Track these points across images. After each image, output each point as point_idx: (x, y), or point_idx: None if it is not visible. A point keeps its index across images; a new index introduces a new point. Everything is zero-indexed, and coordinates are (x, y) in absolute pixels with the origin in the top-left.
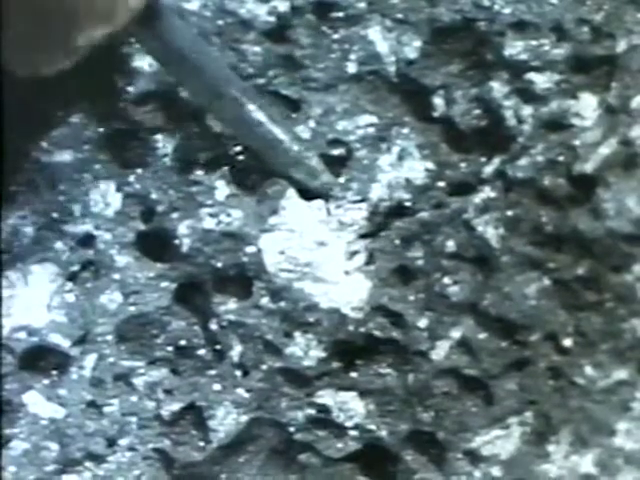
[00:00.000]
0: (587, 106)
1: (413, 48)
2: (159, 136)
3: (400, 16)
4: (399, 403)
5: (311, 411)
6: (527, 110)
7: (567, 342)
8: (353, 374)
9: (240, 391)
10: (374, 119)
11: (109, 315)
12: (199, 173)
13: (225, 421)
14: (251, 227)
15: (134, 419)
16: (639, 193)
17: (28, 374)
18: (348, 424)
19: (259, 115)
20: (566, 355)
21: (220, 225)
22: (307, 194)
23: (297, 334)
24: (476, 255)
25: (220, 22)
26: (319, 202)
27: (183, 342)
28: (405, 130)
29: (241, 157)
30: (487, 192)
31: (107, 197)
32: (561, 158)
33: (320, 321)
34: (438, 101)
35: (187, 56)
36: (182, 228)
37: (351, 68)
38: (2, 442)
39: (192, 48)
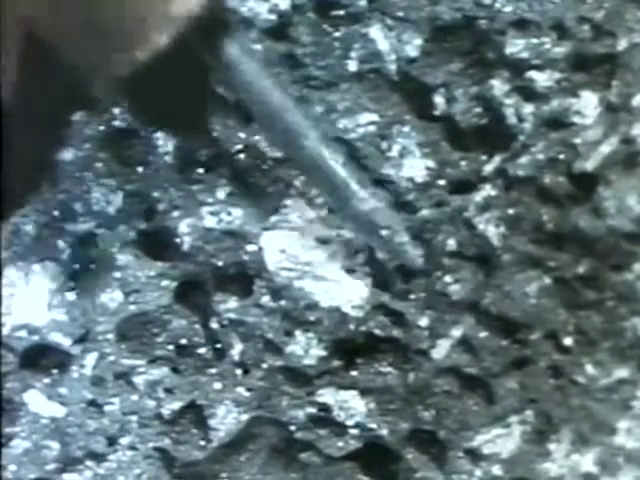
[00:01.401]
0: (588, 104)
1: (414, 46)
2: (160, 134)
3: (401, 14)
4: (400, 402)
5: (312, 410)
6: (528, 108)
7: (568, 341)
8: (354, 373)
9: (241, 390)
10: (375, 117)
11: (110, 314)
12: (200, 172)
13: (226, 420)
14: (252, 226)
15: (135, 418)
16: None
17: (29, 373)
18: (349, 423)
19: (333, 164)
20: (567, 354)
21: (221, 224)
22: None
23: (298, 333)
24: (477, 253)
25: None
26: (320, 200)
27: (184, 341)
28: (406, 128)
29: (242, 155)
30: (488, 190)
31: (108, 196)
32: (562, 156)
33: (321, 320)
34: (439, 99)
35: (258, 97)
36: (183, 227)
37: (352, 66)
38: (2, 441)
39: (260, 84)
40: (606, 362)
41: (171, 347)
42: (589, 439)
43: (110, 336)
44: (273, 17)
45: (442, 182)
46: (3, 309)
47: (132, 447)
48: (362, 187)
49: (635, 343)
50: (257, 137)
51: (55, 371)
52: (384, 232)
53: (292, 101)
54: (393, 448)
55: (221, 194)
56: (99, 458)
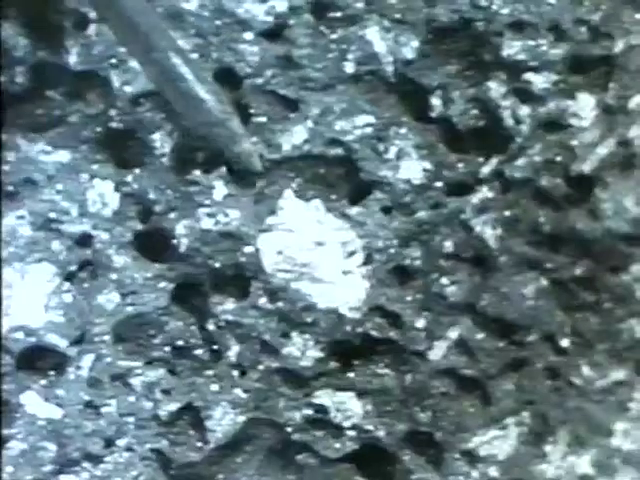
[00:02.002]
0: (585, 106)
1: (411, 48)
2: (157, 136)
3: (398, 16)
4: (397, 403)
5: (308, 411)
6: (525, 110)
7: (565, 342)
8: (350, 374)
9: (237, 391)
10: (372, 119)
11: (106, 315)
12: (197, 173)
13: (222, 421)
14: (249, 227)
15: (132, 419)
16: (637, 193)
17: (25, 374)
18: (346, 424)
19: (185, 71)
20: (564, 355)
21: (218, 225)
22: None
23: (294, 334)
24: (474, 255)
25: (218, 22)
26: (317, 202)
27: (181, 342)
28: (403, 130)
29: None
30: (485, 192)
31: (105, 197)
32: (559, 158)
33: (317, 321)
34: (436, 101)
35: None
36: (180, 228)
37: (349, 68)
38: (0, 442)
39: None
40: (603, 364)
41: (168, 348)
42: (586, 441)
43: (107, 337)
44: (270, 19)
45: (439, 184)
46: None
47: (129, 449)
48: (210, 96)
49: (632, 345)
50: (254, 139)
51: (52, 372)
52: (226, 140)
53: (142, 7)
54: (390, 450)
55: (218, 195)
56: (96, 460)
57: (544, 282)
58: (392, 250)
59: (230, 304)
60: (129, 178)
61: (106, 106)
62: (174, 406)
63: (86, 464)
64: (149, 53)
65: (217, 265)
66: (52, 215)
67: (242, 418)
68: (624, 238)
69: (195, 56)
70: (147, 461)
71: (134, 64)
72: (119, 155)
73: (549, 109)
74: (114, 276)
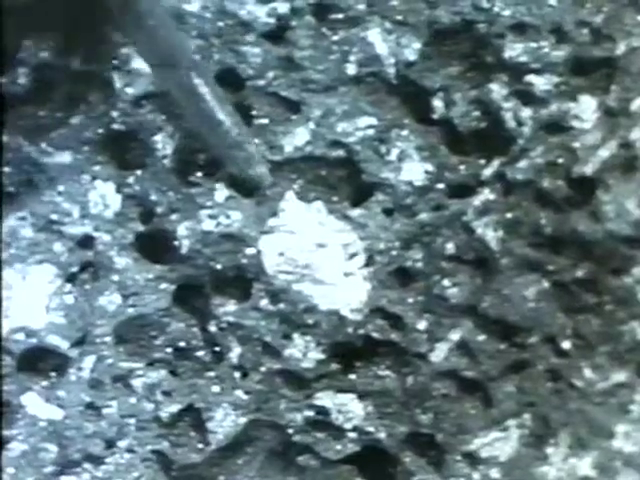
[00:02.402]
0: (586, 108)
1: (413, 50)
2: (158, 137)
3: (400, 18)
4: (398, 405)
5: (310, 413)
6: (526, 112)
7: (566, 344)
8: (352, 376)
9: (239, 393)
10: (374, 121)
11: (108, 316)
12: (198, 175)
13: (224, 423)
14: (250, 229)
15: (133, 421)
16: (638, 195)
17: (27, 376)
18: (347, 426)
19: (204, 91)
20: (565, 357)
21: (219, 227)
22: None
23: (296, 336)
24: (475, 257)
25: (220, 23)
26: (318, 204)
27: (182, 344)
28: (404, 132)
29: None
30: (486, 194)
31: (106, 198)
32: (560, 160)
33: (319, 323)
34: (437, 103)
35: (145, 20)
36: (181, 230)
37: (351, 70)
38: (1, 444)
39: (152, 13)
40: (604, 366)
41: (169, 350)
42: (587, 443)
43: (108, 339)
44: (272, 20)
45: (441, 186)
46: (1, 312)
47: (130, 450)
48: (228, 118)
49: (633, 347)
50: (256, 140)
51: (53, 374)
52: (243, 163)
53: (170, 24)
54: (391, 451)
55: (220, 197)
56: (97, 461)
57: (545, 284)
58: (393, 252)
59: (231, 306)
60: (131, 180)
61: (108, 108)
62: (175, 407)
63: (87, 465)
64: (171, 71)
65: (218, 267)
66: (53, 216)
67: (243, 419)
68: (625, 240)
69: (198, 58)
70: (148, 462)
71: (136, 66)
72: (121, 157)
73: (551, 111)
74: (115, 277)
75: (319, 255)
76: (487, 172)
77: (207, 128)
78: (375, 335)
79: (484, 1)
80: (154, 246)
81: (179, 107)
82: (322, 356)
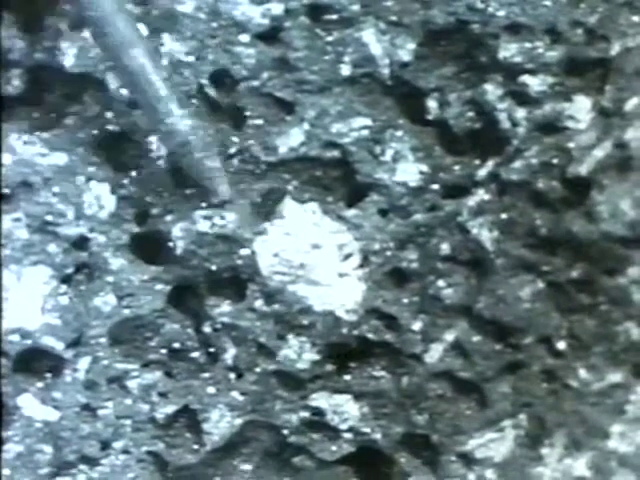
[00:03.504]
0: (581, 109)
1: (407, 51)
2: (153, 138)
3: (394, 18)
4: (393, 406)
5: (305, 414)
6: (521, 113)
7: (561, 345)
8: (347, 377)
9: (234, 394)
10: (368, 121)
11: (103, 318)
12: None
13: (219, 424)
14: (245, 230)
15: (128, 422)
16: (633, 196)
17: (22, 377)
18: (342, 427)
19: (155, 78)
20: (560, 358)
21: (214, 228)
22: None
23: (291, 337)
24: (470, 258)
25: (214, 24)
26: (313, 205)
27: (177, 345)
28: (399, 133)
29: (235, 159)
30: (481, 195)
31: (101, 199)
32: (555, 161)
33: (314, 324)
34: (432, 104)
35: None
36: (176, 231)
37: (345, 70)
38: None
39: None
40: (599, 366)
41: (164, 351)
42: (582, 443)
43: (103, 340)
44: (266, 21)
45: (435, 186)
46: None
47: (125, 451)
48: (181, 105)
49: (628, 347)
50: (251, 141)
51: (48, 375)
52: (197, 154)
53: (122, 11)
54: (386, 452)
55: (214, 198)
56: (92, 462)
57: (540, 285)
58: (388, 252)
59: (226, 307)
60: (125, 181)
61: (102, 109)
62: (170, 409)
63: (82, 467)
64: (123, 54)
65: (213, 268)
66: (48, 218)
67: (239, 421)
68: (620, 241)
69: (191, 59)
70: (143, 464)
71: None
72: (115, 158)
73: (545, 111)
74: (110, 278)
75: (314, 256)
76: (482, 172)
77: (154, 118)
78: (370, 336)
79: (478, 1)
80: (149, 247)
81: (130, 92)
82: (317, 357)
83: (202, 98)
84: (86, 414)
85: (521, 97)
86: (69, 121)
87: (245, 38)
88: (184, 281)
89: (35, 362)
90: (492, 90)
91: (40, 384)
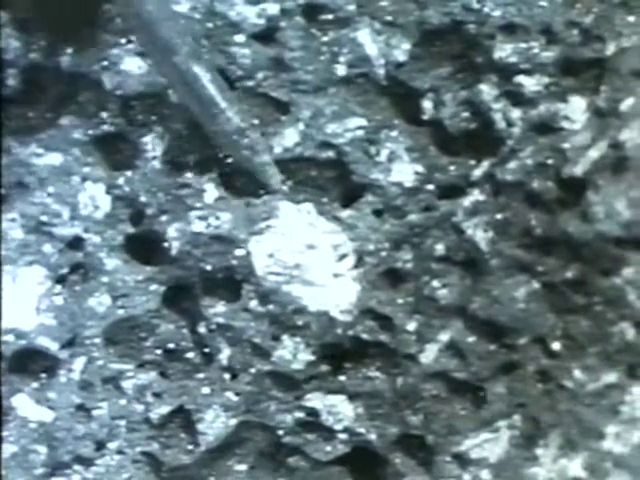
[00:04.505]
0: (576, 109)
1: (402, 51)
2: (148, 138)
3: (389, 19)
4: (388, 406)
5: (300, 414)
6: (516, 113)
7: (556, 345)
8: (342, 377)
9: (229, 394)
10: (363, 122)
11: (98, 318)
12: (188, 176)
13: (214, 424)
14: (240, 230)
15: (123, 422)
16: (628, 196)
17: (17, 377)
18: (337, 427)
19: (204, 79)
20: (555, 358)
21: (209, 228)
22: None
23: (285, 337)
24: (465, 258)
25: (209, 24)
26: (308, 205)
27: (172, 345)
28: (394, 133)
29: (230, 160)
30: (476, 195)
31: (96, 200)
32: (550, 161)
33: (309, 324)
34: (427, 104)
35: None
36: (171, 231)
37: (340, 71)
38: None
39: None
40: (594, 367)
41: (159, 351)
42: (577, 444)
43: (98, 340)
44: (261, 21)
45: (430, 187)
46: None
47: (120, 452)
48: (230, 105)
49: (623, 348)
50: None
51: (43, 375)
52: (246, 151)
53: (167, 13)
54: (381, 453)
55: (209, 198)
56: (87, 462)
57: (535, 285)
58: (383, 253)
59: (221, 307)
60: (121, 181)
61: (98, 109)
62: (165, 409)
63: (77, 467)
64: (169, 57)
65: (208, 268)
66: (44, 218)
67: (233, 421)
68: (615, 241)
69: None
70: (138, 464)
71: (125, 67)
72: (111, 158)
73: (540, 112)
74: (105, 279)
75: (309, 256)
76: (477, 173)
77: (207, 116)
78: (365, 336)
79: (474, 2)
80: (144, 247)
81: (179, 96)
82: (312, 357)
83: None
84: (81, 414)
85: (516, 97)
86: (64, 121)
87: (240, 38)
88: (179, 281)
89: (30, 362)
90: (487, 90)
91: (35, 384)
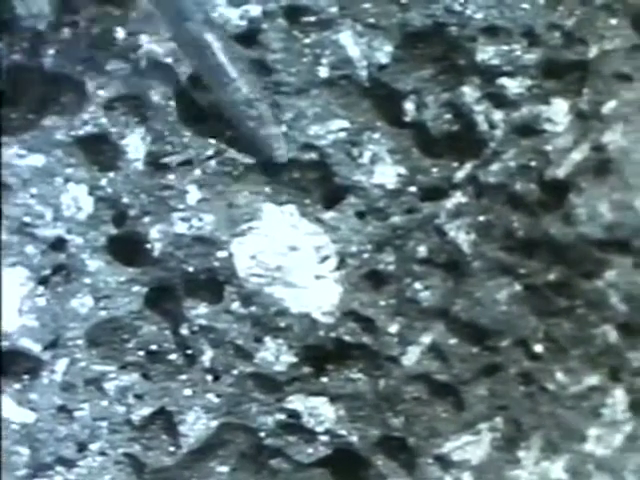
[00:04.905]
0: (559, 111)
1: (385, 53)
2: (130, 140)
3: (372, 21)
4: (369, 408)
5: (281, 416)
6: (499, 115)
7: (538, 348)
8: (323, 379)
9: (210, 396)
10: (346, 124)
11: (80, 319)
12: (171, 177)
13: (195, 426)
14: (222, 232)
15: (105, 424)
16: (611, 199)
17: None
18: (318, 429)
19: (217, 47)
20: (537, 361)
21: (191, 229)
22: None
23: (268, 339)
24: (447, 260)
25: None
26: (291, 207)
27: (154, 347)
28: (377, 135)
29: (213, 161)
30: (459, 197)
31: (79, 201)
32: (533, 163)
33: (291, 326)
34: (410, 106)
35: None
36: (153, 232)
37: (323, 73)
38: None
39: None
40: (576, 369)
41: (141, 353)
42: (559, 446)
43: (80, 342)
44: (244, 23)
45: (413, 189)
46: None
47: (102, 453)
48: (240, 75)
49: (605, 350)
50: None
51: (25, 377)
52: (253, 122)
53: None
54: (363, 455)
55: (192, 200)
56: (69, 464)
57: (517, 287)
58: (366, 255)
59: (203, 308)
60: (103, 182)
61: (80, 110)
62: (147, 410)
63: (59, 468)
64: (183, 23)
65: (190, 269)
66: (26, 219)
67: (215, 423)
68: (598, 244)
69: (169, 60)
70: (120, 465)
71: (108, 68)
72: (93, 159)
73: (523, 114)
74: (88, 280)
75: (291, 258)
76: (459, 175)
77: (218, 84)
78: (347, 338)
79: (456, 4)
80: (126, 249)
81: (191, 62)
82: (294, 359)
83: (181, 99)
84: (63, 416)
85: (499, 99)
86: (47, 122)
87: None
88: (161, 283)
89: (12, 364)
90: (470, 92)
91: (17, 386)
